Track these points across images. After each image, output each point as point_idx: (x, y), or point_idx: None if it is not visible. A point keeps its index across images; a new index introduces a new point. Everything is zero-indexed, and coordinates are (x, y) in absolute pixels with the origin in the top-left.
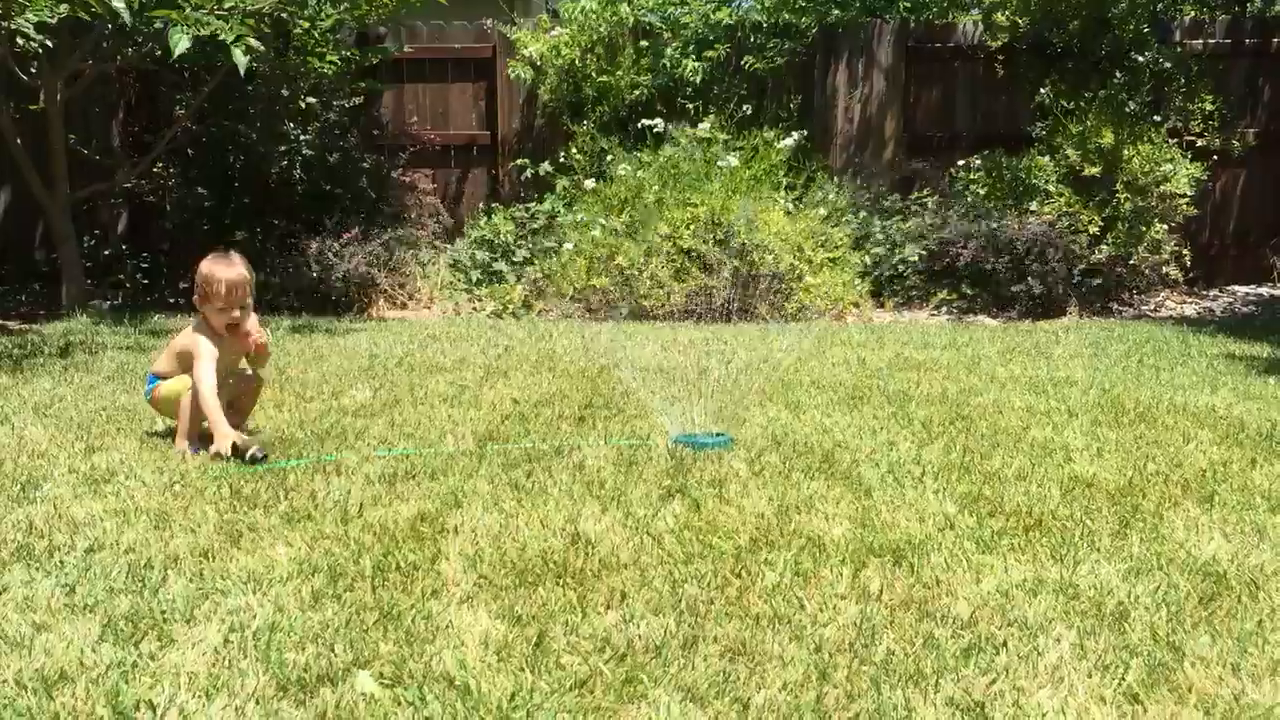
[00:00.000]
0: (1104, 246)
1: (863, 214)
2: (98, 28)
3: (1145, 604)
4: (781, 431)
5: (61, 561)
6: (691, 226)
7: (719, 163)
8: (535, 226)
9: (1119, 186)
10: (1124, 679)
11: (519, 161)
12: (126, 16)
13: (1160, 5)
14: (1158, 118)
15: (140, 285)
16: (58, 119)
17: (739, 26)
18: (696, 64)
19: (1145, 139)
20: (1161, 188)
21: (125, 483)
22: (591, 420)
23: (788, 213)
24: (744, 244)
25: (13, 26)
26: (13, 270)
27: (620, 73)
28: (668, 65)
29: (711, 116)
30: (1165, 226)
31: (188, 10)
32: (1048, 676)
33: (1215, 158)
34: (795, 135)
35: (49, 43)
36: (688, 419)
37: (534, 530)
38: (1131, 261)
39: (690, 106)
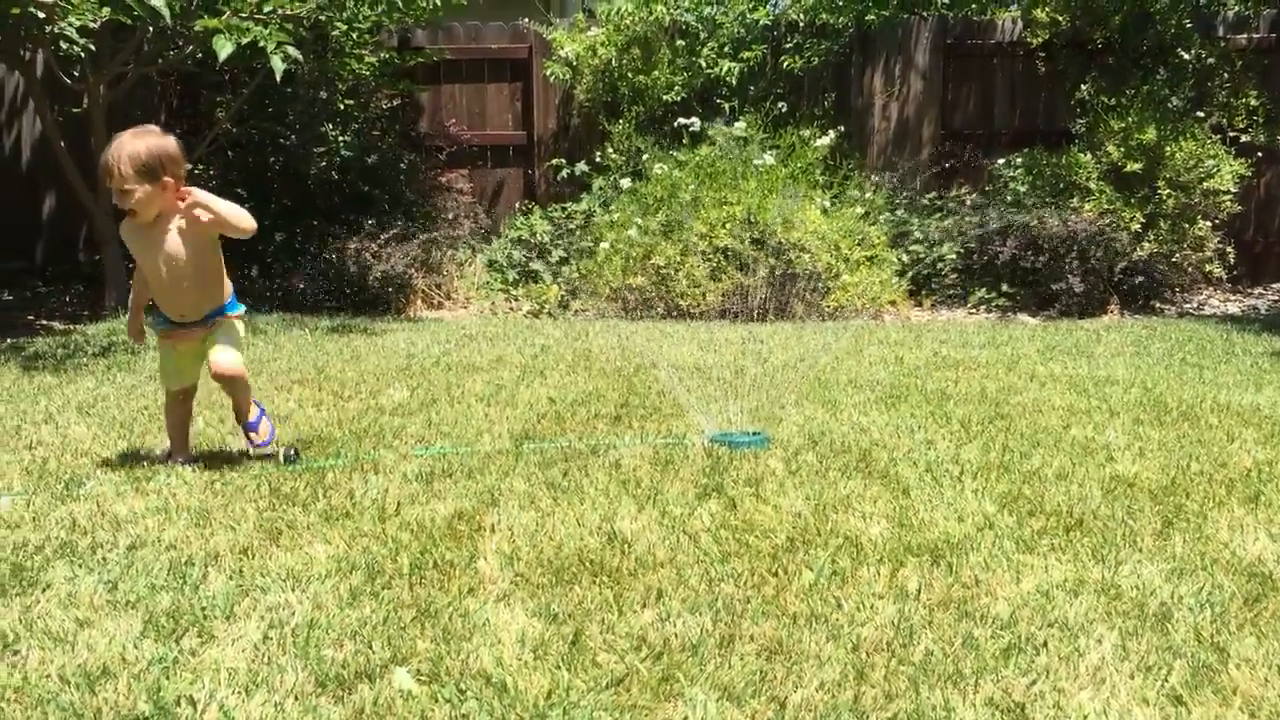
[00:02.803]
0: (1146, 244)
1: (900, 212)
2: (139, 31)
3: (1189, 605)
4: (818, 430)
5: (104, 558)
6: (728, 225)
7: (755, 162)
8: (571, 226)
9: (1161, 183)
10: (1167, 680)
11: (555, 161)
12: (167, 16)
13: (1203, 0)
14: (1201, 114)
15: None
16: (101, 122)
17: (775, 26)
18: (733, 64)
19: (1188, 135)
20: (1205, 184)
21: (166, 480)
22: (628, 419)
23: (824, 211)
24: (780, 243)
25: (56, 30)
26: (57, 272)
27: (656, 72)
28: (704, 65)
29: (748, 115)
30: (1209, 224)
31: (228, 16)
32: (1089, 678)
33: (1260, 154)
34: (832, 134)
35: (91, 46)
36: (724, 418)
37: (570, 529)
38: (1174, 259)
39: (726, 105)
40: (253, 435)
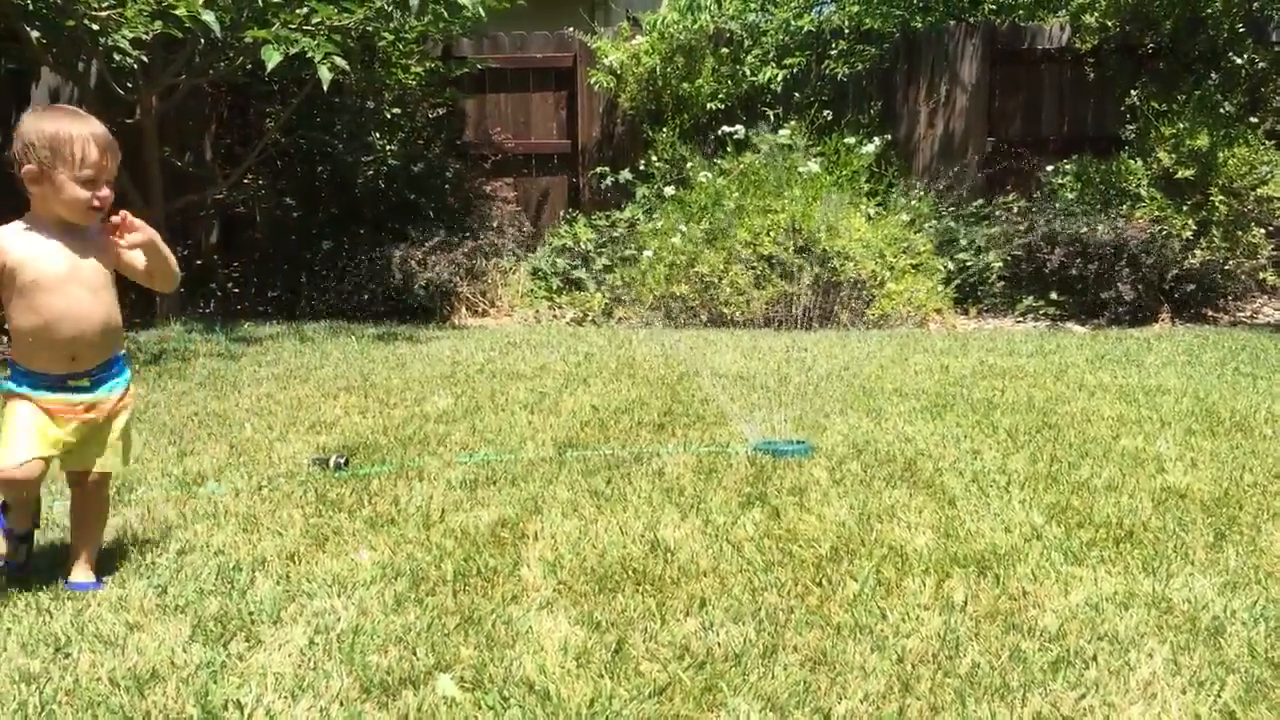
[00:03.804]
0: (1198, 251)
1: (946, 220)
2: (190, 43)
3: (1242, 619)
4: (863, 439)
5: (154, 563)
6: (772, 233)
7: (799, 169)
8: (615, 234)
9: (1214, 190)
10: (1220, 696)
11: (599, 169)
12: (217, 30)
13: (1256, 4)
14: (1254, 119)
15: (231, 294)
16: (153, 132)
17: (820, 32)
18: (777, 71)
19: (1241, 141)
20: (1259, 191)
21: (216, 487)
22: (671, 427)
23: (869, 219)
24: (825, 250)
25: (110, 43)
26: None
27: (700, 80)
28: (747, 72)
29: (792, 123)
30: (1263, 230)
31: (277, 27)
32: (1140, 692)
33: None
34: (877, 141)
35: (144, 58)
36: (768, 426)
37: (613, 537)
38: (1227, 267)
39: (770, 113)
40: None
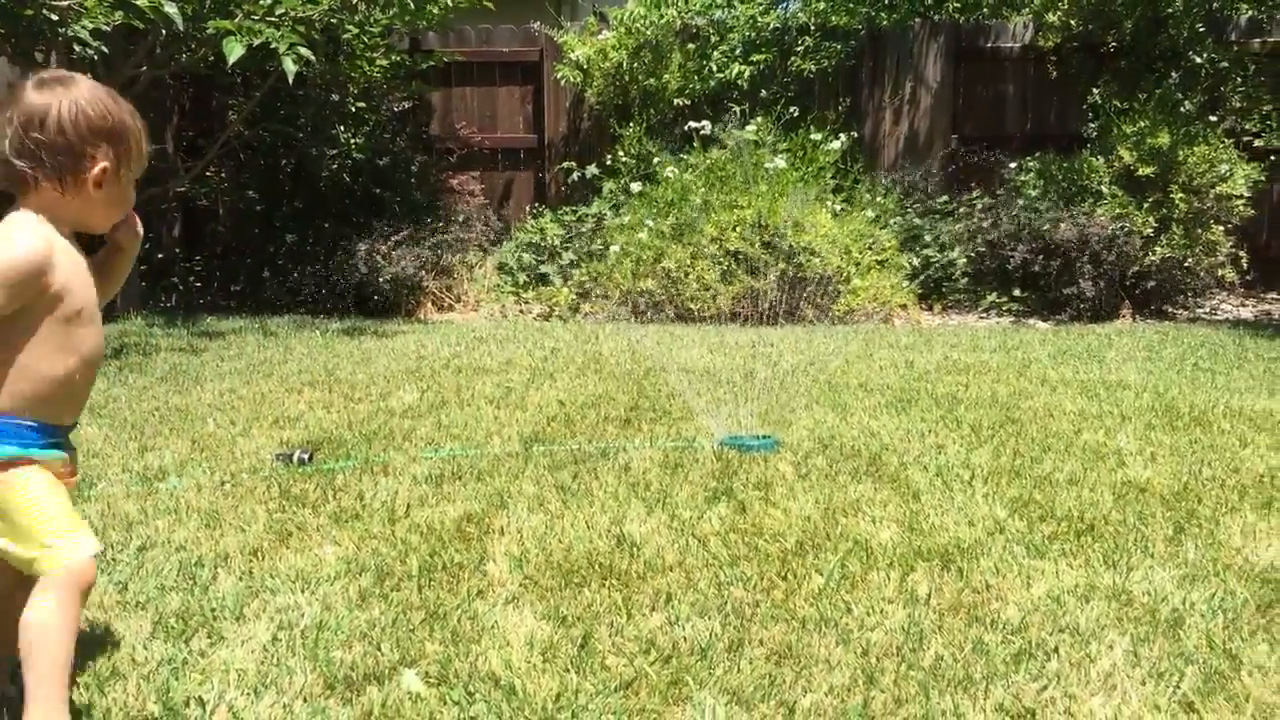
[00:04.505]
0: (1158, 248)
1: (911, 216)
2: (152, 34)
3: (1201, 611)
4: (828, 434)
5: (114, 559)
6: (738, 229)
7: (766, 165)
8: (582, 229)
9: (1174, 187)
10: (1179, 687)
11: (566, 164)
12: (179, 21)
13: (1216, 4)
14: (1214, 118)
15: (193, 288)
16: None
17: (786, 29)
18: (743, 67)
19: (1201, 139)
20: (1218, 189)
21: (177, 482)
22: (637, 422)
23: (835, 215)
24: (791, 246)
25: (70, 33)
26: None
27: (667, 76)
28: (714, 68)
29: (758, 119)
30: (1222, 228)
31: (240, 19)
32: (1100, 684)
33: (1273, 158)
34: (843, 137)
35: (104, 49)
36: (734, 421)
37: (579, 531)
38: (1187, 264)
39: (737, 109)
40: None
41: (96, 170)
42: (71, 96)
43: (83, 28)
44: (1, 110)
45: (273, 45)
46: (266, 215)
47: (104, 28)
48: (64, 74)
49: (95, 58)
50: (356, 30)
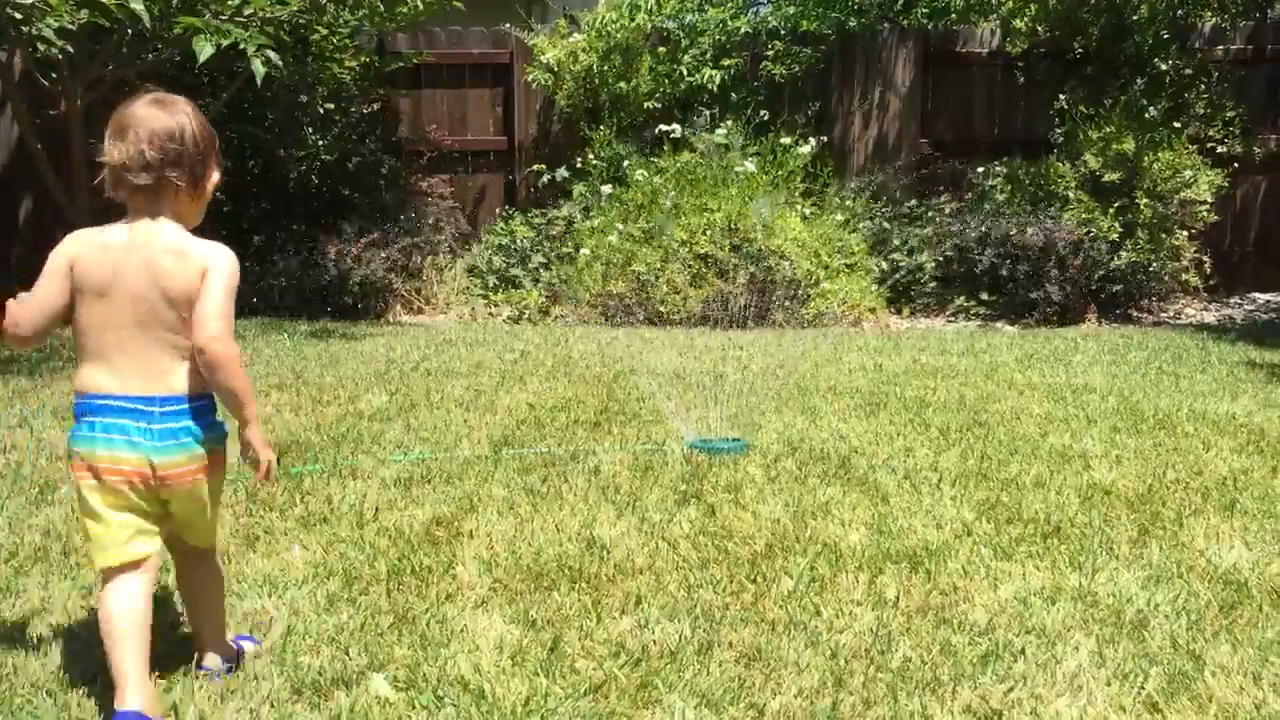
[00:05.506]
0: (1124, 253)
1: (880, 220)
2: (118, 33)
3: (1165, 612)
4: (797, 437)
5: (78, 564)
6: (708, 232)
7: (736, 169)
8: (552, 232)
9: (1139, 193)
10: (1143, 688)
11: (536, 167)
12: (146, 19)
13: (1180, 11)
14: (1178, 124)
15: None
16: (79, 125)
17: (756, 34)
18: (714, 71)
19: (1166, 146)
20: (1182, 194)
21: None
22: (607, 425)
23: (805, 219)
24: (761, 250)
25: (34, 32)
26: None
27: (638, 80)
28: (685, 72)
29: (729, 123)
30: (1186, 233)
31: (208, 17)
32: (1066, 685)
33: (1237, 165)
34: (813, 141)
35: (69, 48)
36: (703, 424)
37: (549, 535)
38: (1151, 268)
39: (707, 113)
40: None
41: (216, 178)
42: (189, 113)
43: (47, 26)
44: (121, 131)
45: (241, 46)
46: (233, 216)
47: (69, 26)
48: (165, 94)
49: (60, 57)
50: (325, 31)
